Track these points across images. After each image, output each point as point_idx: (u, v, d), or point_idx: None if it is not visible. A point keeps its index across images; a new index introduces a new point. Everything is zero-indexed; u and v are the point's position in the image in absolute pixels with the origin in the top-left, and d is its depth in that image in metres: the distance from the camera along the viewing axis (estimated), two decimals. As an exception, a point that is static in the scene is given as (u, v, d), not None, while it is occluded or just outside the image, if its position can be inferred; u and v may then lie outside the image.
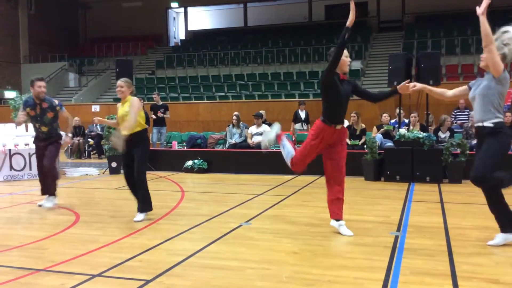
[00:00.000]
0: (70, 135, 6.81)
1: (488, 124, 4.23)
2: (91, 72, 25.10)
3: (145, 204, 5.63)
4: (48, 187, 6.58)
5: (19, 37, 25.12)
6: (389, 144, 9.70)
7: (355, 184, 8.37)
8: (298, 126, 12.59)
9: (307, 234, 4.89)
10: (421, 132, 8.97)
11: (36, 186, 8.64)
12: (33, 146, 9.74)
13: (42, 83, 6.43)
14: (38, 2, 25.52)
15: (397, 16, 24.98)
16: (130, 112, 5.45)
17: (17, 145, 9.71)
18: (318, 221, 5.52)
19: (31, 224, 5.66)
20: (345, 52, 4.70)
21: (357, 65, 19.45)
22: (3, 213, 6.34)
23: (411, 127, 9.79)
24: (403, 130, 9.26)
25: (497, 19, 7.84)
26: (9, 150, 9.49)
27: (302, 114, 12.65)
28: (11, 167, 9.47)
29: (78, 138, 14.23)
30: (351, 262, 3.96)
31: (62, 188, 8.53)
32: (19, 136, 9.96)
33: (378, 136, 9.94)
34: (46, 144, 6.53)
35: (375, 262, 3.93)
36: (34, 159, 9.57)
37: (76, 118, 14.80)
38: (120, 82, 5.64)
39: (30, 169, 9.59)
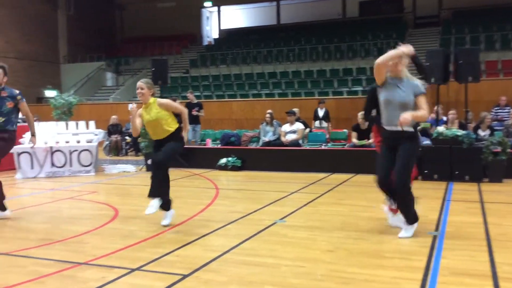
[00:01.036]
0: (34, 136, 6.13)
1: None
2: (128, 71, 25.63)
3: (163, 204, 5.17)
4: None
5: (59, 38, 25.90)
6: (427, 142, 9.50)
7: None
8: (317, 123, 12.90)
9: (342, 233, 4.86)
10: (460, 130, 8.74)
11: (77, 182, 8.94)
12: (74, 143, 10.15)
13: None
14: (76, 4, 26.25)
15: (434, 12, 24.38)
16: (172, 105, 5.15)
17: (58, 142, 10.03)
18: (353, 219, 5.48)
19: (72, 219, 5.85)
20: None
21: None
22: (46, 208, 6.57)
23: (449, 125, 9.55)
24: (441, 128, 9.05)
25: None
26: (51, 147, 9.81)
27: (321, 112, 13.00)
28: (53, 164, 9.80)
29: (116, 136, 14.57)
30: (388, 261, 3.92)
31: (101, 185, 8.78)
32: (60, 134, 10.29)
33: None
34: None
35: (412, 262, 3.87)
36: (74, 156, 9.91)
37: (114, 116, 15.17)
38: (140, 83, 5.10)
39: (71, 165, 9.89)
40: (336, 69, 20.04)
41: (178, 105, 5.32)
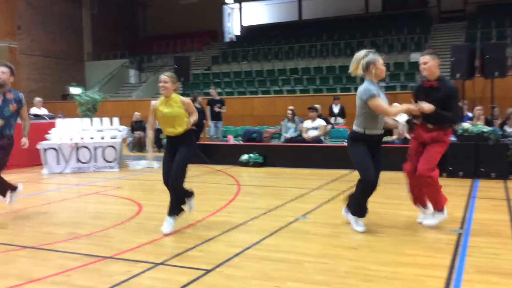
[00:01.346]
0: (25, 137, 5.89)
1: None
2: (151, 68, 25.89)
3: (174, 209, 4.95)
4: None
5: (83, 36, 26.32)
6: (452, 138, 9.35)
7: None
8: (332, 120, 13.00)
9: (365, 230, 4.83)
10: (486, 126, 8.57)
11: (102, 178, 9.10)
12: (98, 140, 10.32)
13: (1, 69, 5.60)
14: (100, 2, 26.61)
15: (459, 6, 23.89)
16: (192, 107, 4.99)
17: (83, 138, 10.21)
18: (375, 216, 5.43)
19: (97, 214, 5.96)
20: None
21: (416, 57, 18.83)
22: (72, 203, 6.71)
23: (475, 121, 9.38)
24: (466, 124, 8.88)
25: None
26: (76, 143, 10.00)
27: (336, 109, 13.21)
28: (78, 160, 9.99)
29: (138, 133, 14.75)
30: (411, 259, 3.88)
31: (126, 180, 8.91)
32: (85, 130, 10.47)
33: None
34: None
35: (437, 260, 3.82)
36: (99, 152, 10.07)
37: (137, 113, 15.36)
38: (164, 76, 4.93)
39: (96, 161, 10.06)
40: (359, 65, 19.84)
41: (194, 108, 5.09)
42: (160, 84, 4.90)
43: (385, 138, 9.84)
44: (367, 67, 4.60)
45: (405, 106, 4.66)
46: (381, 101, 4.51)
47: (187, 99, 5.02)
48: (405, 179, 4.99)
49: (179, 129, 4.93)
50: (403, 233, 4.66)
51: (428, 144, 4.74)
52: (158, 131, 14.09)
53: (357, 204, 4.83)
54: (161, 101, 4.98)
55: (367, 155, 4.66)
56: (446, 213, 4.80)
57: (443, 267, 3.65)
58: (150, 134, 5.23)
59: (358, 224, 4.81)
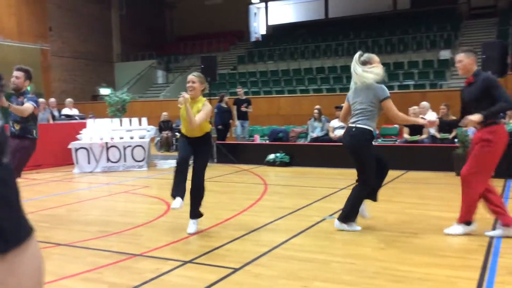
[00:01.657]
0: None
1: None
2: (178, 69, 26.18)
3: (197, 213, 4.95)
4: None
5: (112, 37, 26.81)
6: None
7: (446, 179, 8.00)
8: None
9: (393, 230, 4.77)
10: (519, 125, 8.33)
11: (131, 177, 9.25)
12: (128, 139, 10.51)
13: (15, 73, 5.60)
14: (128, 4, 27.06)
15: (490, 1, 23.29)
16: (201, 113, 4.73)
17: (113, 138, 10.41)
18: (405, 217, 5.36)
19: (127, 212, 6.07)
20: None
21: (446, 54, 18.47)
22: (102, 201, 6.85)
23: (507, 120, 9.13)
24: (498, 123, 8.66)
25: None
26: (106, 143, 10.20)
27: None
28: (108, 159, 10.19)
29: (166, 132, 14.94)
30: (442, 260, 3.82)
31: (154, 179, 9.04)
32: (115, 130, 10.68)
33: (470, 129, 9.38)
34: (16, 148, 5.39)
35: (469, 261, 3.75)
36: (128, 151, 10.25)
37: (164, 113, 15.56)
38: (192, 76, 4.84)
39: (125, 161, 10.25)
40: (387, 63, 19.58)
41: (203, 113, 4.78)
42: (188, 85, 4.82)
43: (414, 138, 9.69)
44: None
45: (412, 119, 4.77)
46: (393, 105, 4.62)
47: (210, 106, 4.86)
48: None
49: (197, 133, 4.84)
50: (433, 234, 4.58)
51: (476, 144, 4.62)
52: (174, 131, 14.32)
53: (354, 209, 4.77)
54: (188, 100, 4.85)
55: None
56: (466, 229, 4.48)
57: (475, 268, 3.57)
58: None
59: (354, 227, 4.79)
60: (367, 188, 4.73)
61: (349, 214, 4.78)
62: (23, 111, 5.38)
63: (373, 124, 4.65)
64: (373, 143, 4.87)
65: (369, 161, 4.65)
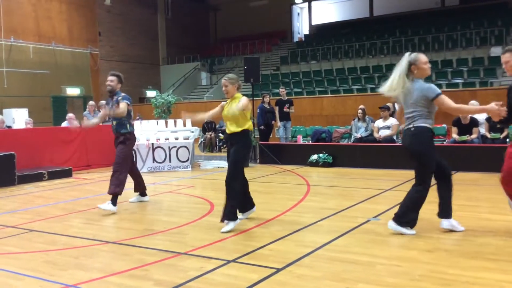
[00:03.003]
0: (100, 114, 6.83)
1: None
2: (221, 70, 26.49)
3: (229, 214, 4.97)
4: (137, 186, 6.69)
5: (159, 40, 27.48)
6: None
7: (497, 181, 7.66)
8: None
9: (441, 233, 4.63)
10: None
11: (176, 177, 9.45)
12: (173, 140, 10.73)
13: (109, 78, 6.39)
14: (174, 8, 27.65)
15: (546, -6, 22.19)
16: (238, 105, 5.01)
17: (159, 139, 10.67)
18: (454, 218, 5.19)
19: (172, 211, 6.20)
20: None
21: (497, 51, 17.73)
22: (149, 201, 7.02)
23: None
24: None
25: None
26: (152, 144, 10.46)
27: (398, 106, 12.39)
28: (154, 160, 10.44)
29: (210, 133, 15.15)
30: (493, 263, 3.67)
31: (197, 180, 9.18)
32: (160, 131, 10.93)
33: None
34: (117, 142, 6.39)
35: (521, 266, 3.59)
36: (173, 152, 10.47)
37: (208, 114, 15.76)
38: (223, 80, 5.22)
39: (170, 161, 10.47)
40: (434, 61, 19.04)
41: (240, 104, 5.00)
42: (223, 88, 5.23)
43: (463, 138, 9.36)
44: (409, 68, 4.53)
45: (479, 107, 4.40)
46: (448, 99, 4.41)
47: (245, 98, 5.09)
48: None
49: (234, 128, 5.10)
50: (483, 237, 4.42)
51: None
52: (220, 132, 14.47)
53: (414, 213, 4.59)
54: (228, 101, 5.27)
55: None
56: None
57: (529, 274, 3.42)
58: (204, 115, 5.72)
59: (409, 231, 4.61)
60: (427, 191, 4.51)
61: (411, 217, 4.58)
62: (122, 113, 6.18)
63: (432, 121, 4.53)
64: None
65: (432, 162, 4.50)
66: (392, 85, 4.58)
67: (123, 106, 6.16)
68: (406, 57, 4.58)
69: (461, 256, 3.90)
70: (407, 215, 4.58)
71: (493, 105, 4.25)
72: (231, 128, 5.14)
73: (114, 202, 6.09)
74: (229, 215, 4.96)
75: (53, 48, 20.83)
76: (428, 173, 4.53)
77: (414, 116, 4.50)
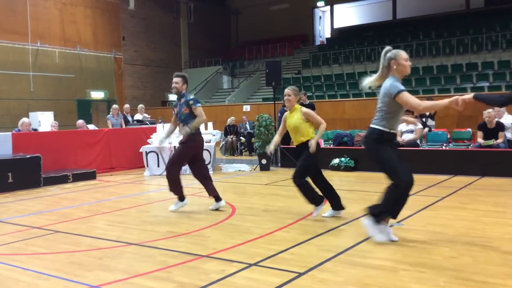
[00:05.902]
0: (187, 129, 6.14)
1: None
2: (242, 74, 26.59)
3: (315, 200, 5.68)
4: (174, 190, 6.46)
5: (181, 44, 27.75)
6: None
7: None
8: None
9: (467, 239, 4.54)
10: None
11: (197, 180, 9.48)
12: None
13: (174, 79, 6.27)
14: (196, 12, 27.89)
15: None
16: (314, 117, 5.47)
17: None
18: (479, 225, 5.09)
19: (194, 214, 6.23)
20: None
21: (508, 56, 17.39)
22: (171, 203, 7.06)
23: None
24: None
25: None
26: (174, 147, 10.53)
27: None
28: (176, 163, 10.51)
29: (231, 136, 15.20)
30: (520, 271, 3.59)
31: (219, 183, 9.20)
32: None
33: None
34: (180, 143, 6.37)
35: (550, 274, 3.49)
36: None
37: (231, 118, 15.84)
38: (287, 90, 5.59)
39: (191, 164, 10.52)
40: (459, 64, 18.76)
41: (318, 117, 5.51)
42: (285, 97, 5.56)
43: (489, 142, 9.18)
44: (388, 63, 4.41)
45: (444, 101, 4.17)
46: (411, 96, 4.27)
47: (307, 110, 5.47)
48: None
49: (300, 139, 5.52)
50: (510, 244, 4.32)
51: None
52: (250, 135, 14.46)
53: (389, 208, 4.55)
54: (289, 113, 5.64)
55: (397, 156, 4.49)
56: None
57: (559, 283, 3.32)
58: (276, 138, 5.89)
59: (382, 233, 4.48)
60: (406, 186, 4.53)
61: (383, 211, 4.55)
62: (202, 120, 6.27)
63: (391, 122, 4.42)
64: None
65: (389, 162, 4.53)
66: (372, 78, 4.59)
67: (199, 110, 6.21)
68: (386, 51, 4.46)
69: (487, 263, 3.82)
70: (388, 211, 4.55)
71: (456, 97, 4.13)
72: (297, 138, 5.55)
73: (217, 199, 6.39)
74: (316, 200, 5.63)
75: (78, 52, 21.23)
76: (398, 173, 4.49)
77: (375, 115, 4.50)
